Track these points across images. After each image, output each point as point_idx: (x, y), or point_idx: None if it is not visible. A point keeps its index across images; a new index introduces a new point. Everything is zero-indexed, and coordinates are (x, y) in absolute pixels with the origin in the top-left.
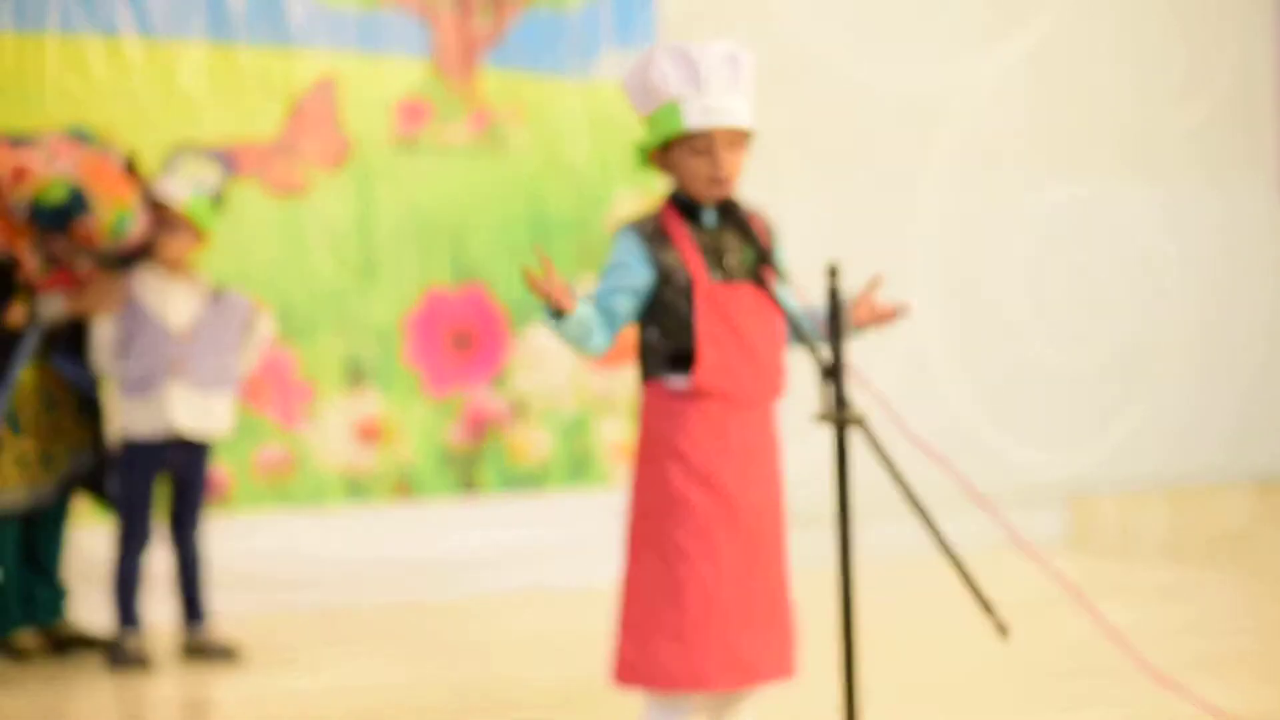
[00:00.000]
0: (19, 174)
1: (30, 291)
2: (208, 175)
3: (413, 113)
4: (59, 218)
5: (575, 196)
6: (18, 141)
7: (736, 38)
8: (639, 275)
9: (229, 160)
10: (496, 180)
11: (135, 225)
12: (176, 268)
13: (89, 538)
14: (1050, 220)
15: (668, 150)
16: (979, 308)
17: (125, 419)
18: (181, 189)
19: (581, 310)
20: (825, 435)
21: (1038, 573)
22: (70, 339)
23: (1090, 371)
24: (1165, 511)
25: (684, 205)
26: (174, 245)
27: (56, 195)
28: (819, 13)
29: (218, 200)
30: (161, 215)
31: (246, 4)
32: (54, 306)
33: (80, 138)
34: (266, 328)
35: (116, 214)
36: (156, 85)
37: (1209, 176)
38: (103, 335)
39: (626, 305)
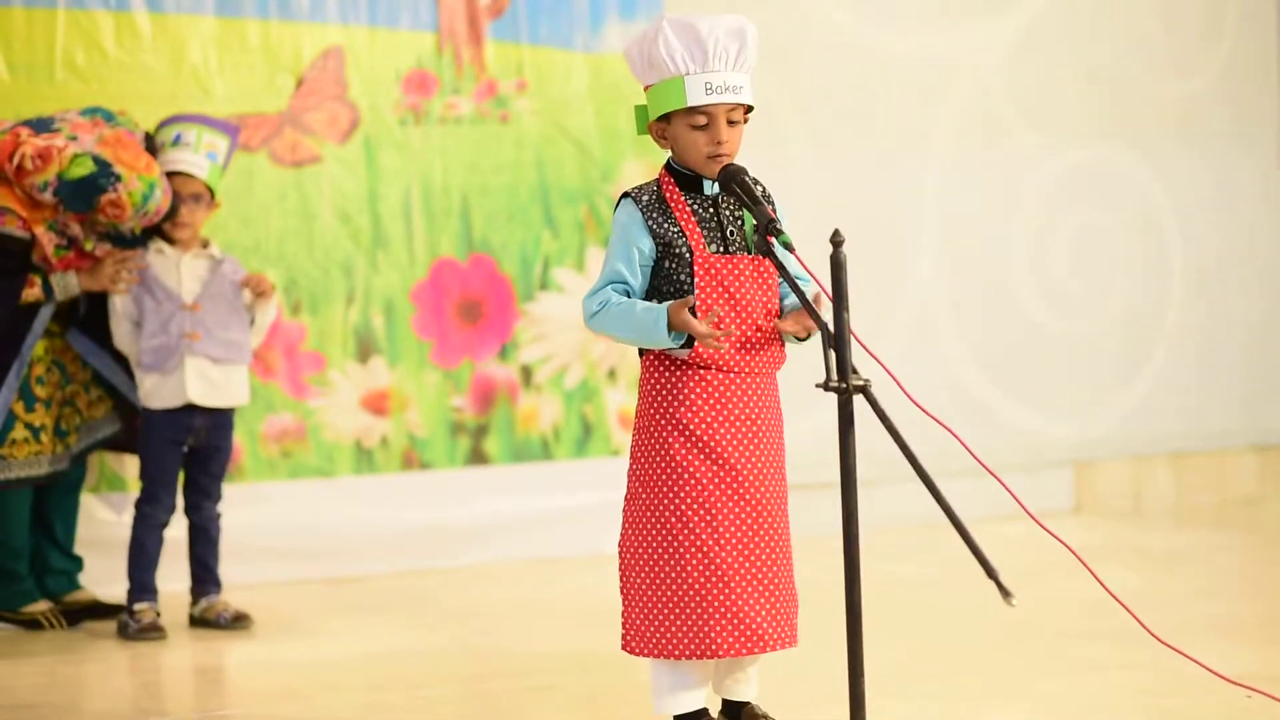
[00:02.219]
0: (42, 154)
1: (46, 269)
2: (220, 143)
3: (420, 84)
4: (88, 191)
5: (582, 168)
6: (39, 125)
7: (744, 8)
8: (644, 245)
9: (237, 132)
10: (503, 151)
11: (162, 197)
12: (193, 239)
13: (104, 506)
14: (1055, 188)
15: (668, 120)
16: (984, 275)
17: (145, 392)
18: (203, 162)
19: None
20: (830, 403)
21: (1045, 538)
22: (89, 315)
23: (1096, 338)
24: (1172, 477)
25: (683, 176)
26: (198, 217)
27: (83, 169)
28: None
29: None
30: (185, 188)
31: None
32: (68, 284)
33: (99, 116)
34: (272, 304)
35: (145, 184)
36: (166, 59)
37: (1213, 141)
38: (118, 313)
39: (643, 278)
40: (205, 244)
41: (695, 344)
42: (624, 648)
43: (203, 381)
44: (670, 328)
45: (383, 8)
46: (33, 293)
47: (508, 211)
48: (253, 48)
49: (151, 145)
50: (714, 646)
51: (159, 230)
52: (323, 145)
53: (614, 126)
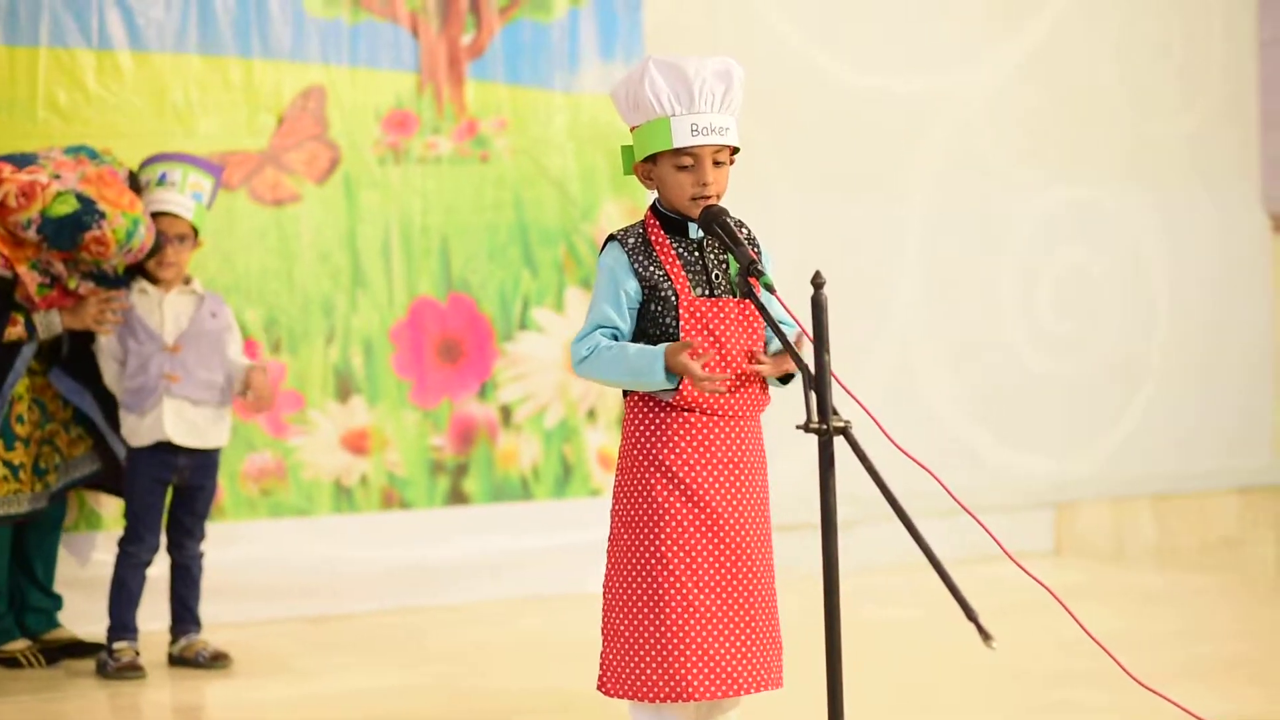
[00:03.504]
0: (25, 191)
1: (29, 308)
2: (205, 183)
3: (400, 124)
4: (72, 228)
5: (561, 207)
6: (21, 160)
7: (724, 49)
8: (630, 288)
9: (221, 172)
10: (483, 191)
11: (146, 234)
12: (177, 278)
13: (84, 544)
14: (1038, 228)
15: (653, 162)
16: (965, 315)
17: (126, 431)
18: (189, 202)
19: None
20: (811, 444)
21: (1026, 580)
22: (71, 354)
23: (1078, 379)
24: (1154, 518)
25: (668, 218)
26: (183, 257)
27: (66, 206)
28: (808, 22)
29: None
30: (171, 228)
31: (236, 17)
32: (51, 323)
33: (83, 154)
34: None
35: (129, 221)
36: (147, 97)
37: (1200, 185)
38: (105, 353)
39: (631, 321)
40: (187, 280)
41: (680, 386)
42: (599, 688)
43: (182, 422)
44: (667, 370)
45: (364, 48)
46: (15, 331)
47: (487, 251)
48: (234, 86)
49: (135, 184)
50: (688, 689)
51: (142, 270)
52: (303, 184)
53: (593, 166)
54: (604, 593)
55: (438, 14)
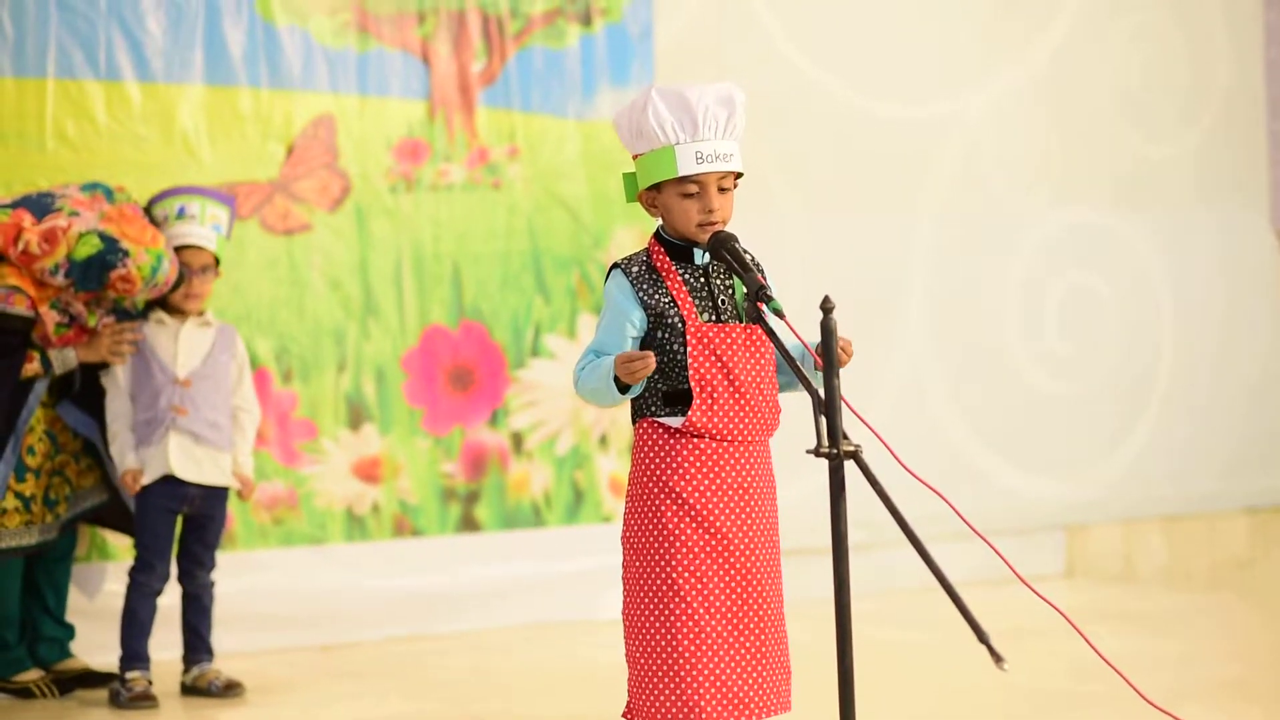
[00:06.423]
0: (48, 237)
1: (44, 345)
2: (221, 214)
3: (411, 152)
4: (97, 269)
5: (573, 234)
6: (39, 203)
7: (733, 75)
8: (635, 318)
9: (234, 202)
10: (495, 218)
11: (169, 268)
12: (196, 309)
13: (96, 574)
14: (1045, 251)
15: (657, 190)
16: (974, 338)
17: (137, 460)
18: (210, 234)
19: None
20: (821, 468)
21: (1037, 602)
22: (83, 386)
23: (1087, 401)
24: (1164, 540)
25: (673, 245)
26: (207, 288)
27: (90, 248)
28: (817, 47)
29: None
30: (194, 260)
31: (245, 46)
32: (67, 358)
33: (99, 192)
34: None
35: (153, 257)
36: (156, 128)
37: (1205, 204)
38: (113, 384)
39: (633, 349)
40: (201, 312)
41: (689, 412)
42: (624, 715)
43: (187, 459)
44: (618, 382)
45: (373, 76)
46: (32, 368)
47: (499, 278)
48: (244, 116)
49: (151, 219)
50: (700, 714)
51: (163, 301)
52: (313, 213)
53: (606, 193)
54: (623, 620)
55: (449, 42)
